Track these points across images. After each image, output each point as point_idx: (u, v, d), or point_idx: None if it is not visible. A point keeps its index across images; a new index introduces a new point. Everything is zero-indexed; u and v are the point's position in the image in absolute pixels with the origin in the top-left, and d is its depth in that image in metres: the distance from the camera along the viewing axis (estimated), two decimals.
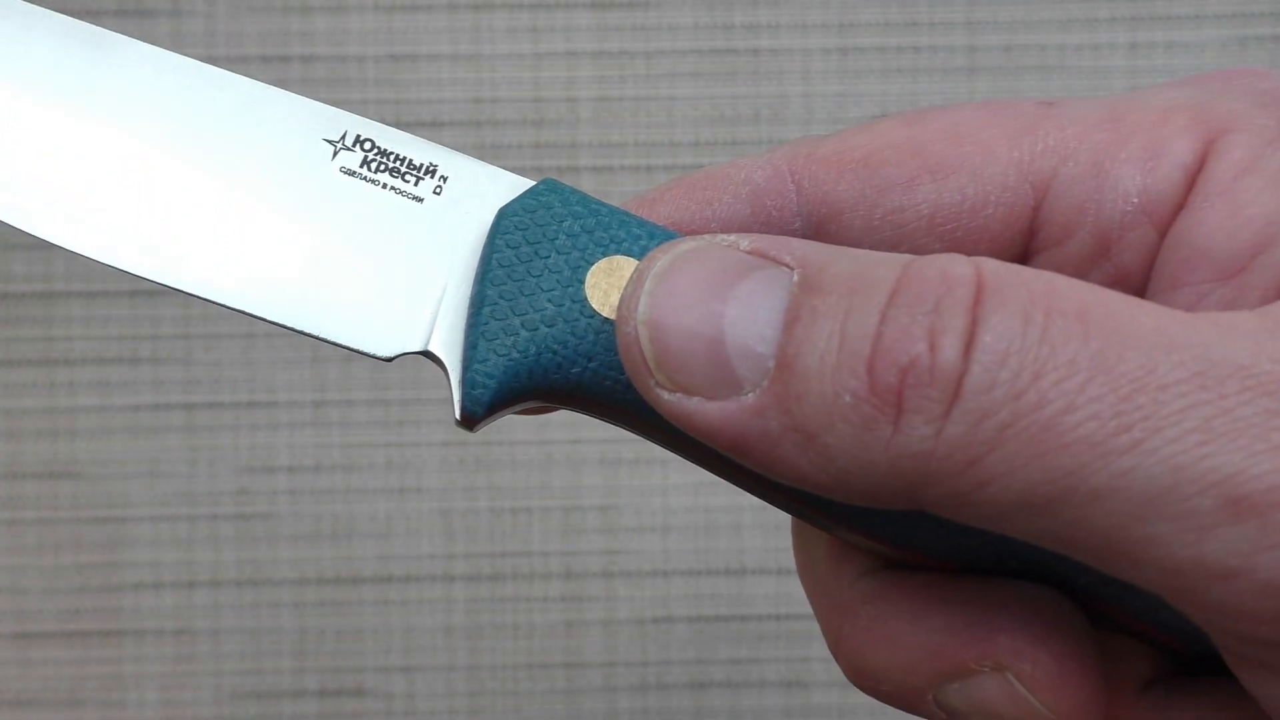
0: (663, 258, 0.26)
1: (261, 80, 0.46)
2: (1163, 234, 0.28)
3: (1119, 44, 0.48)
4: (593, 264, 0.28)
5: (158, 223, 0.29)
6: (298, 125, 0.30)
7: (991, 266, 0.24)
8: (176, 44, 0.47)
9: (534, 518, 0.48)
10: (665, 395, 0.25)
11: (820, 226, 0.29)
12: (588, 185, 0.48)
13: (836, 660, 0.28)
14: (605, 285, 0.28)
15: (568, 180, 0.48)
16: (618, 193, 0.48)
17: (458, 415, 0.28)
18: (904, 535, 0.28)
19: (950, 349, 0.23)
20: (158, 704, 0.48)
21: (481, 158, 0.48)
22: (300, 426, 0.48)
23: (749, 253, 0.25)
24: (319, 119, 0.30)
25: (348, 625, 0.48)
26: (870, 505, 0.25)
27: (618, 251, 0.28)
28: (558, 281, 0.28)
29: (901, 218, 0.28)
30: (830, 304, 0.24)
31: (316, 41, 0.48)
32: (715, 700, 0.48)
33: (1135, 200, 0.27)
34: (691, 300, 0.25)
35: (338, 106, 0.49)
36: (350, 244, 0.29)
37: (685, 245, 0.26)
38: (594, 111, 0.48)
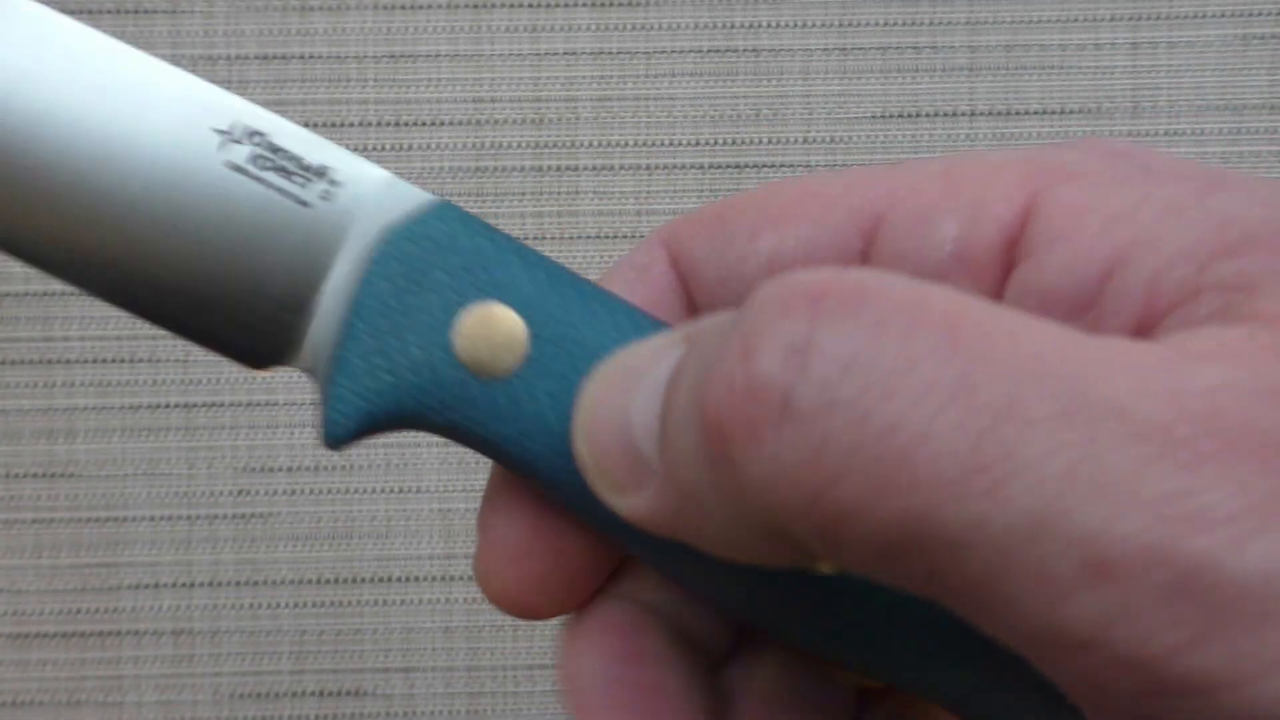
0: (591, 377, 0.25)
1: (260, 80, 0.46)
2: (983, 283, 0.26)
3: (1120, 43, 0.48)
4: (465, 308, 0.26)
5: (16, 196, 0.27)
6: (186, 111, 0.27)
7: (848, 274, 0.22)
8: (175, 43, 0.47)
9: None
10: (620, 501, 0.24)
11: (686, 285, 0.29)
12: (587, 184, 0.48)
13: None
14: (473, 334, 0.26)
15: (567, 180, 0.48)
16: (618, 192, 0.48)
17: (321, 441, 0.27)
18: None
19: (767, 360, 0.21)
20: (156, 705, 0.48)
21: (481, 158, 0.48)
22: (300, 426, 0.48)
23: (665, 343, 0.25)
24: (211, 106, 0.27)
25: (347, 626, 0.48)
26: (767, 560, 0.23)
27: (497, 297, 0.26)
28: (427, 324, 0.26)
29: (744, 266, 0.28)
30: (689, 359, 0.23)
31: (316, 41, 0.48)
32: None
33: (948, 248, 0.26)
34: (608, 400, 0.25)
35: (337, 106, 0.49)
36: (224, 246, 0.27)
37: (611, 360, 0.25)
38: (594, 111, 0.48)
